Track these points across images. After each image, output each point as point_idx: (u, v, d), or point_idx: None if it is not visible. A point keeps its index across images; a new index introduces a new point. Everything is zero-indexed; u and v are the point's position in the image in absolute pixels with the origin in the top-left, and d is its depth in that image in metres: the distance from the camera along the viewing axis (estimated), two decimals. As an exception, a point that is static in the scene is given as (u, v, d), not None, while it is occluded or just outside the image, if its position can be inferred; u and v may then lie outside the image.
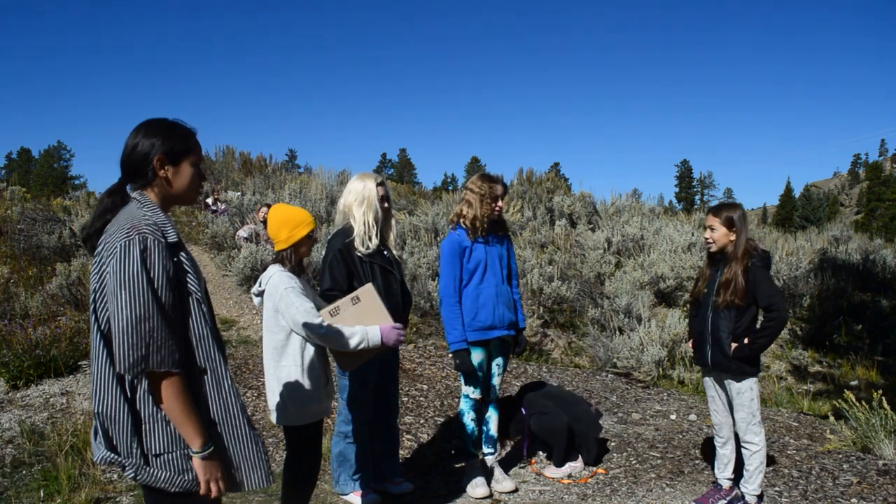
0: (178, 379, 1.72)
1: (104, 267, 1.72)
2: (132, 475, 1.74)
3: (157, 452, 1.75)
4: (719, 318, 3.46)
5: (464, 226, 3.74)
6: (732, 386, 3.47)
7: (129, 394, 1.75)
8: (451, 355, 3.87)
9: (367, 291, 2.89)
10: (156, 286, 1.69)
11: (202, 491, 1.79)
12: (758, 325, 3.44)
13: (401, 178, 64.29)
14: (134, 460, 1.74)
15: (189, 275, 1.82)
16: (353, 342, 2.71)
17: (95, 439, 1.79)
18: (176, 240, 1.81)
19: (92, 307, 1.76)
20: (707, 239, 3.51)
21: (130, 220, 1.74)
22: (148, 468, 1.75)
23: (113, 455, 1.75)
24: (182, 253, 1.82)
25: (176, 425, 1.74)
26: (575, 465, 4.20)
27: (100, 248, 1.77)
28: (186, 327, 1.80)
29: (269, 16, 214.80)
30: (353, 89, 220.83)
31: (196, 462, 1.77)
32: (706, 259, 3.64)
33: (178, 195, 1.91)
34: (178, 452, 1.77)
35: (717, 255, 3.52)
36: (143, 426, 1.75)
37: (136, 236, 1.70)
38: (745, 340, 3.40)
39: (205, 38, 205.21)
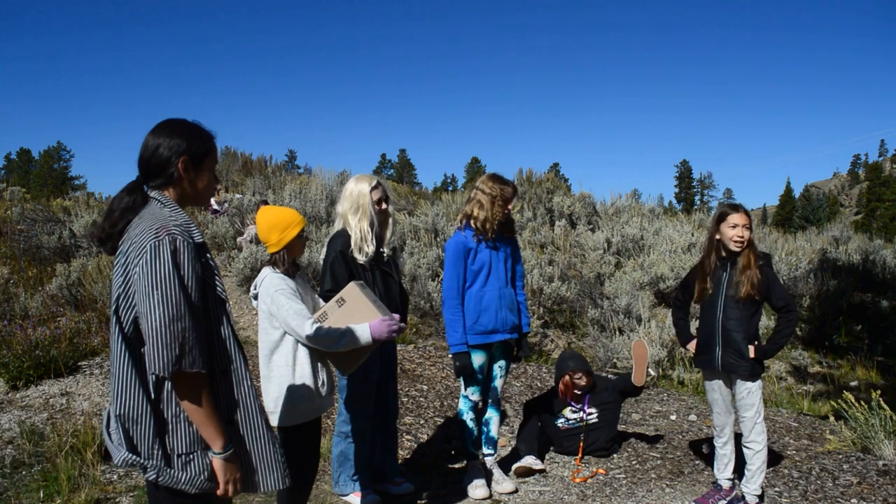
0: (205, 380, 1.72)
1: (131, 267, 1.71)
2: (153, 476, 1.74)
3: (181, 452, 1.76)
4: (731, 320, 3.45)
5: (473, 227, 3.67)
6: (744, 385, 3.47)
7: (152, 395, 1.75)
8: (451, 357, 3.86)
9: (351, 290, 2.86)
10: (187, 287, 1.70)
11: (220, 491, 1.80)
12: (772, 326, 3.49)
13: (401, 179, 64.26)
14: (155, 462, 1.74)
15: (215, 276, 1.83)
16: (341, 343, 2.71)
17: (113, 441, 1.78)
18: (202, 240, 1.82)
19: (114, 307, 1.75)
20: (742, 237, 3.44)
21: (158, 221, 1.73)
22: (170, 470, 1.75)
23: (134, 457, 1.74)
24: (207, 254, 1.83)
25: (198, 426, 1.74)
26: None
27: (125, 248, 1.75)
28: (211, 328, 1.80)
29: (268, 16, 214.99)
30: (353, 89, 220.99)
31: (216, 463, 1.78)
32: (711, 260, 3.55)
33: (195, 196, 1.91)
34: (200, 452, 1.77)
35: (727, 254, 3.50)
36: (168, 426, 1.75)
37: (167, 237, 1.69)
38: (757, 342, 3.46)
39: (205, 39, 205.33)
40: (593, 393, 4.47)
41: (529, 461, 4.17)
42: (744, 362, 3.43)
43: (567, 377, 4.40)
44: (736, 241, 3.44)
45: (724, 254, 3.51)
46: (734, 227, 3.44)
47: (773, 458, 4.25)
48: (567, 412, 4.45)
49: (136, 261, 1.69)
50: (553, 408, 4.50)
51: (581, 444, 4.37)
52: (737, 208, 3.51)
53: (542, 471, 4.21)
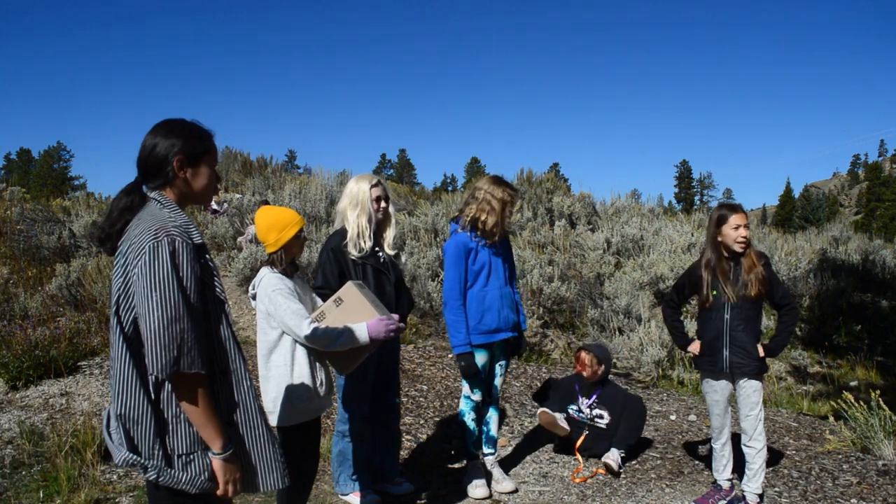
0: (204, 380, 1.73)
1: (130, 268, 1.71)
2: (154, 477, 1.74)
3: (182, 452, 1.76)
4: (738, 320, 3.45)
5: (480, 230, 3.66)
6: (749, 384, 3.48)
7: (153, 395, 1.75)
8: (454, 358, 3.86)
9: (349, 290, 2.86)
10: (186, 288, 1.70)
11: (220, 492, 1.80)
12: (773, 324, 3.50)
13: (400, 179, 64.26)
14: (156, 462, 1.75)
15: (214, 277, 1.83)
16: (338, 343, 2.70)
17: (113, 441, 1.79)
18: (201, 241, 1.82)
19: (114, 308, 1.75)
20: (744, 238, 3.43)
21: (157, 222, 1.73)
22: (170, 470, 1.75)
23: (135, 457, 1.74)
24: (206, 254, 1.83)
25: (197, 426, 1.75)
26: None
27: (124, 249, 1.76)
28: (210, 328, 1.80)
29: (268, 16, 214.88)
30: (353, 89, 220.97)
31: (216, 463, 1.78)
32: (721, 261, 3.50)
33: (195, 196, 1.91)
34: (201, 453, 1.77)
35: (730, 254, 3.50)
36: (168, 427, 1.75)
37: (165, 238, 1.69)
38: (762, 342, 3.50)
39: (205, 38, 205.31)
40: (604, 391, 4.47)
41: (557, 416, 4.28)
42: (752, 361, 3.44)
43: (581, 353, 4.54)
44: (740, 242, 3.43)
45: (726, 255, 3.51)
46: (736, 227, 3.43)
47: (773, 458, 4.25)
48: (582, 404, 4.47)
49: (135, 262, 1.69)
50: (571, 394, 4.54)
51: (581, 438, 4.37)
52: (735, 209, 3.50)
53: (567, 434, 4.33)
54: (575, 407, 4.49)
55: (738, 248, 3.44)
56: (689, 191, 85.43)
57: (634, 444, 4.33)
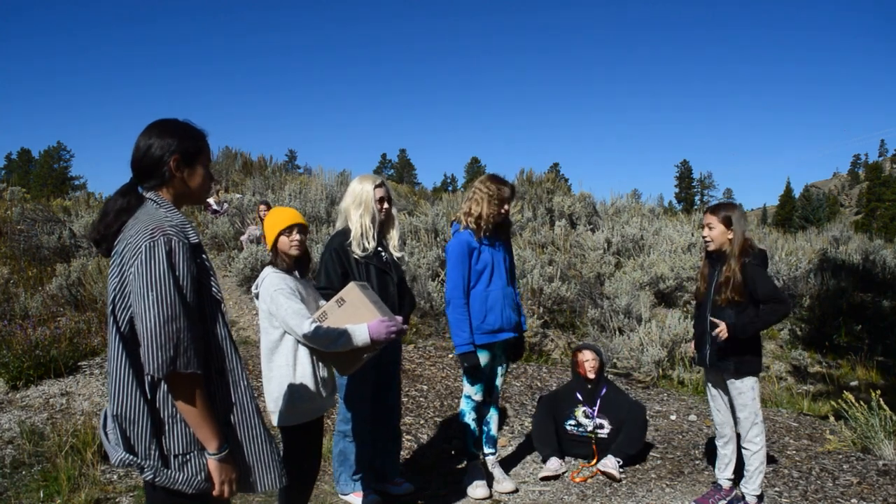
0: (200, 380, 1.72)
1: (126, 268, 1.71)
2: (150, 477, 1.74)
3: (178, 453, 1.76)
4: (719, 318, 3.46)
5: (469, 224, 3.68)
6: (734, 385, 3.47)
7: (149, 395, 1.74)
8: (456, 357, 3.85)
9: (351, 291, 2.86)
10: (182, 287, 1.69)
11: (216, 492, 1.80)
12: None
13: (401, 179, 64.23)
14: (152, 462, 1.74)
15: (211, 276, 1.83)
16: (339, 343, 2.70)
17: (110, 441, 1.78)
18: (197, 241, 1.81)
19: (110, 308, 1.75)
20: (705, 237, 3.53)
21: (154, 221, 1.73)
22: (167, 470, 1.75)
23: (131, 457, 1.74)
24: (203, 254, 1.83)
25: (193, 427, 1.74)
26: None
27: (120, 249, 1.75)
28: (206, 328, 1.80)
29: (268, 15, 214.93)
30: (353, 89, 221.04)
31: (211, 463, 1.78)
32: (705, 260, 3.64)
33: (190, 195, 1.91)
34: (197, 453, 1.77)
35: (714, 254, 3.54)
36: (165, 427, 1.75)
37: (161, 237, 1.69)
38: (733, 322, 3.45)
39: (205, 38, 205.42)
40: (606, 395, 4.40)
41: (554, 467, 4.14)
42: (729, 361, 3.45)
43: (578, 354, 4.51)
44: (705, 242, 3.54)
45: (713, 254, 3.55)
46: (702, 228, 3.54)
47: (773, 458, 4.25)
48: (580, 415, 4.37)
49: (132, 261, 1.69)
50: (567, 407, 4.43)
51: (595, 458, 4.29)
52: (711, 209, 3.55)
53: (565, 472, 4.21)
54: (573, 422, 4.39)
55: (707, 247, 3.55)
56: (690, 191, 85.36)
57: (634, 455, 4.26)
